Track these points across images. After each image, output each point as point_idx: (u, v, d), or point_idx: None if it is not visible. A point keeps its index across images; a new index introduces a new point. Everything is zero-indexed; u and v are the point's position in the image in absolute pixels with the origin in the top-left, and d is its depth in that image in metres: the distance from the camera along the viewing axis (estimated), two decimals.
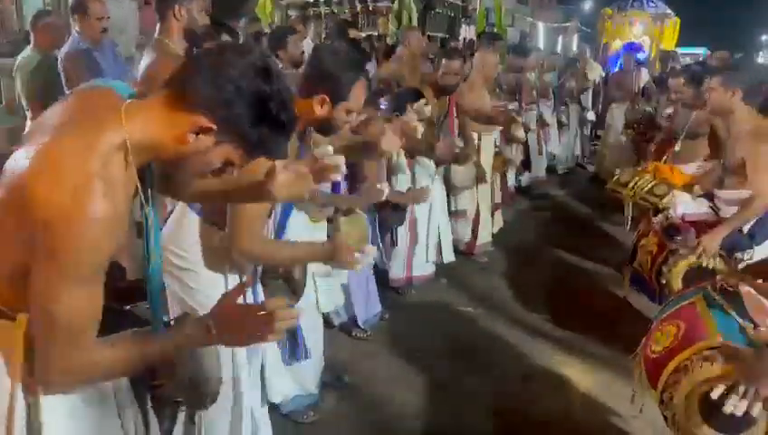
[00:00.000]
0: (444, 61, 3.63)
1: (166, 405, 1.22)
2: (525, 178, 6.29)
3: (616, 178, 3.75)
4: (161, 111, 1.04)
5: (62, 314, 0.98)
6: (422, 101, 2.91)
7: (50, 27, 3.78)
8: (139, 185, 1.08)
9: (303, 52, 4.00)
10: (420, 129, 2.39)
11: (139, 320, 1.41)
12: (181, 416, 1.32)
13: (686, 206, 2.99)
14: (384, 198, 2.48)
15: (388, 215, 3.25)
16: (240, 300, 1.79)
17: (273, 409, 2.35)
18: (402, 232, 3.58)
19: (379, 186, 2.46)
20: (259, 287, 1.97)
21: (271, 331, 1.08)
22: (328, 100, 1.78)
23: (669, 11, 13.02)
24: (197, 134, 1.02)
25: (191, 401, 1.21)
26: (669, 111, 4.51)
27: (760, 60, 13.88)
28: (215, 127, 1.02)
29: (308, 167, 1.33)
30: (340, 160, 1.36)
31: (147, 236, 1.18)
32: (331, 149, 1.37)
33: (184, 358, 1.20)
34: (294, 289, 2.04)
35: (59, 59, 3.44)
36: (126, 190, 1.04)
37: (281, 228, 2.04)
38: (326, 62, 1.81)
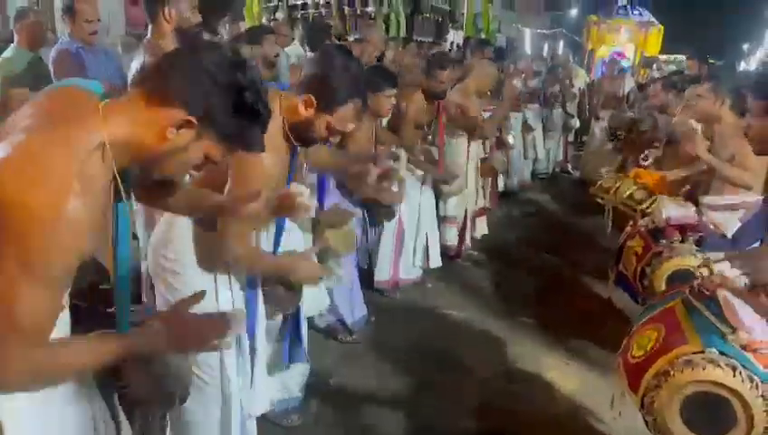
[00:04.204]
0: (434, 70, 3.66)
1: (134, 406, 1.20)
2: (508, 183, 6.33)
3: (599, 183, 3.82)
4: (139, 109, 1.04)
5: (25, 315, 0.96)
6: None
7: (32, 26, 3.73)
8: (120, 183, 1.07)
9: (278, 54, 4.02)
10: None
11: None
12: (153, 416, 1.30)
13: (671, 210, 3.03)
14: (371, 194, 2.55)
15: (377, 210, 3.22)
16: (227, 305, 1.79)
17: None
18: (389, 236, 3.58)
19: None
20: (259, 293, 1.96)
21: (222, 337, 1.12)
22: (314, 103, 1.68)
23: (654, 19, 13.21)
24: (178, 129, 1.04)
25: (160, 401, 1.19)
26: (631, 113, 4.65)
27: (741, 68, 14.13)
28: (194, 120, 1.03)
29: (281, 199, 1.55)
30: (311, 204, 1.66)
31: (117, 236, 1.16)
32: (306, 190, 1.59)
33: (150, 358, 1.19)
34: (290, 297, 2.04)
35: (50, 57, 3.40)
36: (104, 192, 1.03)
37: (275, 245, 2.00)
38: (330, 68, 1.70)
